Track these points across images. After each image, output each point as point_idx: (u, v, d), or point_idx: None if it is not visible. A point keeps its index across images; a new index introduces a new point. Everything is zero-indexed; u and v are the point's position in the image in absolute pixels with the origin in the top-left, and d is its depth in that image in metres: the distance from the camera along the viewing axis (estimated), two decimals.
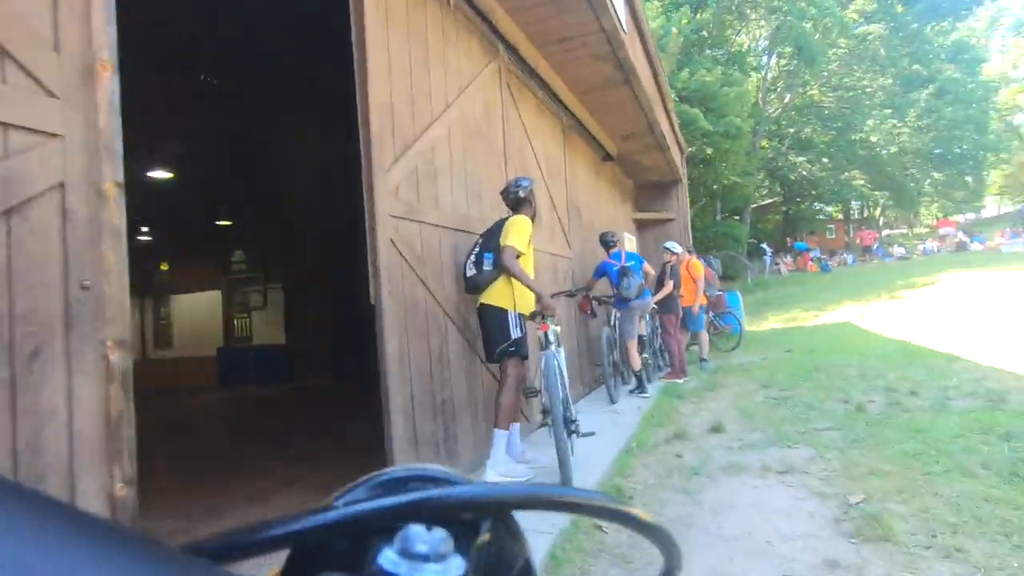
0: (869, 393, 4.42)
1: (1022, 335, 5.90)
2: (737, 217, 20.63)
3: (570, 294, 3.69)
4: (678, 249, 7.17)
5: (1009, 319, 6.93)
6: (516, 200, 3.08)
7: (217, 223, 11.47)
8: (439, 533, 0.22)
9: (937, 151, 26.04)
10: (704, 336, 7.40)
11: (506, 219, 3.01)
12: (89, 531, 0.16)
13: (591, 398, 5.37)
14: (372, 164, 2.52)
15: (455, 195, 3.30)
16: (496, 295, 2.93)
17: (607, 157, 7.52)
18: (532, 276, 3.02)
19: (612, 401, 4.98)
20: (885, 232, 38.00)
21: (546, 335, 2.96)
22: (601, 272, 5.40)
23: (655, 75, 6.31)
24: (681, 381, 5.97)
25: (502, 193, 3.15)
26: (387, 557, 0.22)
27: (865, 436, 3.41)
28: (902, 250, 21.67)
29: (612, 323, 5.67)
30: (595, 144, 6.93)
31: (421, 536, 0.22)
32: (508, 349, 2.86)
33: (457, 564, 0.22)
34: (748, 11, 16.44)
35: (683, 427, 4.15)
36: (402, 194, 2.75)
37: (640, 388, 5.30)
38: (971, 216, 42.99)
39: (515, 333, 2.88)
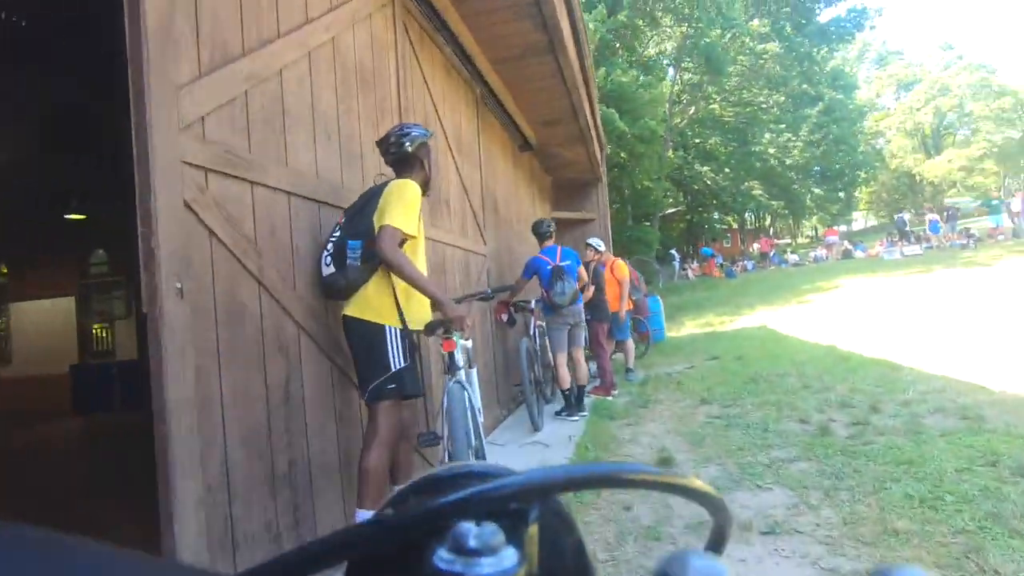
0: (825, 410, 3.89)
1: (948, 340, 5.77)
2: (648, 223, 20.84)
3: (486, 297, 2.72)
4: (603, 247, 6.49)
5: (925, 323, 6.93)
6: (401, 156, 2.12)
7: (68, 217, 9.37)
8: (489, 527, 0.22)
9: (816, 168, 28.34)
10: (630, 345, 6.76)
11: (382, 186, 2.03)
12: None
13: (510, 424, 4.49)
14: (146, 70, 1.45)
15: (321, 154, 2.27)
16: (367, 304, 1.97)
17: (525, 146, 6.72)
18: (424, 271, 2.08)
19: (536, 428, 4.12)
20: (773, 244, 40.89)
21: (451, 356, 2.02)
22: (532, 270, 4.52)
23: (580, 55, 5.58)
24: (611, 397, 5.25)
25: (380, 144, 2.17)
26: (441, 557, 0.22)
27: (846, 470, 2.78)
28: (795, 257, 22.98)
29: (531, 333, 4.83)
30: (512, 129, 6.10)
31: (472, 532, 0.22)
32: (385, 388, 1.89)
33: (510, 554, 0.22)
34: (660, 16, 16.59)
35: (626, 461, 3.36)
36: (214, 133, 1.69)
37: (568, 410, 4.48)
38: (844, 228, 47.49)
39: (396, 362, 1.92)
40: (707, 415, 4.24)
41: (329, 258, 1.97)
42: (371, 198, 2.01)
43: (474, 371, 2.57)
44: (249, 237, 1.79)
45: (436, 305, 2.03)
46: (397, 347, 1.92)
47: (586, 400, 4.80)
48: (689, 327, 10.41)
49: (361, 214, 2.00)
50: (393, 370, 1.90)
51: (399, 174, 2.11)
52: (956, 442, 2.89)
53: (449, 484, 0.27)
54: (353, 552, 0.23)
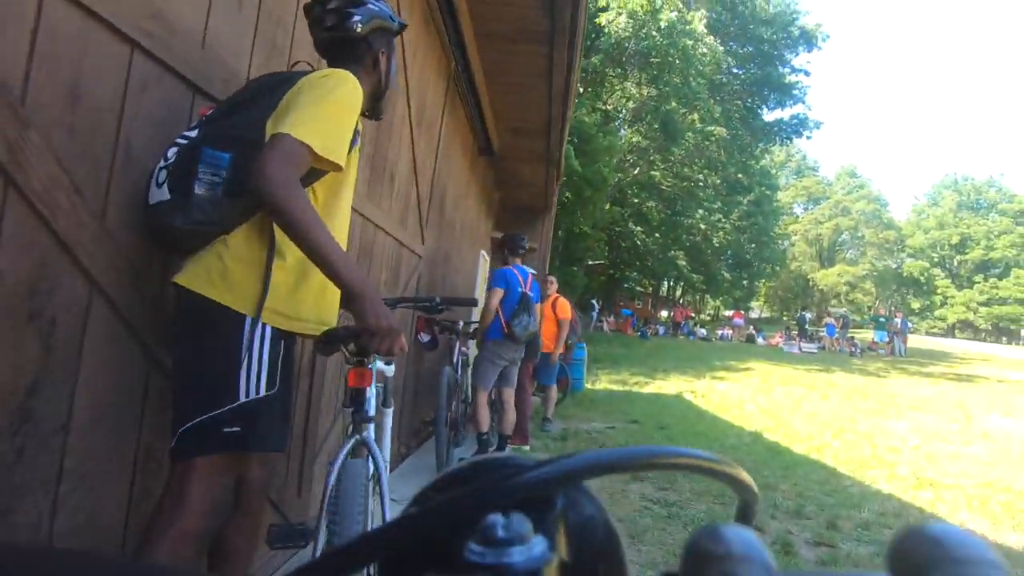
0: (777, 515, 3.36)
1: (877, 450, 5.59)
2: (575, 268, 20.75)
3: (429, 307, 1.80)
4: (555, 282, 5.88)
5: (845, 426, 6.84)
6: (342, 38, 1.27)
7: None
8: (517, 516, 0.22)
9: (730, 252, 30.16)
10: (554, 391, 6.10)
11: (298, 74, 1.20)
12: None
13: (409, 470, 3.58)
14: None
15: (221, 18, 1.38)
16: (216, 270, 1.09)
17: (485, 149, 6.00)
18: (343, 244, 1.25)
19: None
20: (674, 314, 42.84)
21: (358, 395, 1.17)
22: (503, 281, 3.72)
23: (571, 64, 4.96)
24: (527, 448, 4.51)
25: (309, 11, 1.29)
26: (472, 549, 0.21)
27: None
28: (703, 331, 23.83)
29: (455, 360, 3.99)
30: (479, 125, 5.36)
31: (500, 523, 0.22)
32: (218, 431, 1.03)
33: (540, 542, 0.22)
34: (630, 71, 16.80)
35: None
36: None
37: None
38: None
39: (248, 386, 1.05)
40: (641, 496, 3.59)
41: (163, 173, 1.08)
42: (272, 88, 1.15)
43: (389, 413, 1.70)
44: (4, 81, 0.87)
45: (349, 300, 1.13)
46: (257, 357, 1.04)
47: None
48: (605, 381, 9.98)
49: (244, 109, 1.15)
50: (241, 399, 1.03)
51: (333, 65, 1.26)
52: None
53: (472, 477, 0.26)
54: (382, 552, 0.22)
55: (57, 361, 1.03)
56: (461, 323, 3.97)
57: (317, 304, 1.16)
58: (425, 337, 3.93)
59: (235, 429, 1.02)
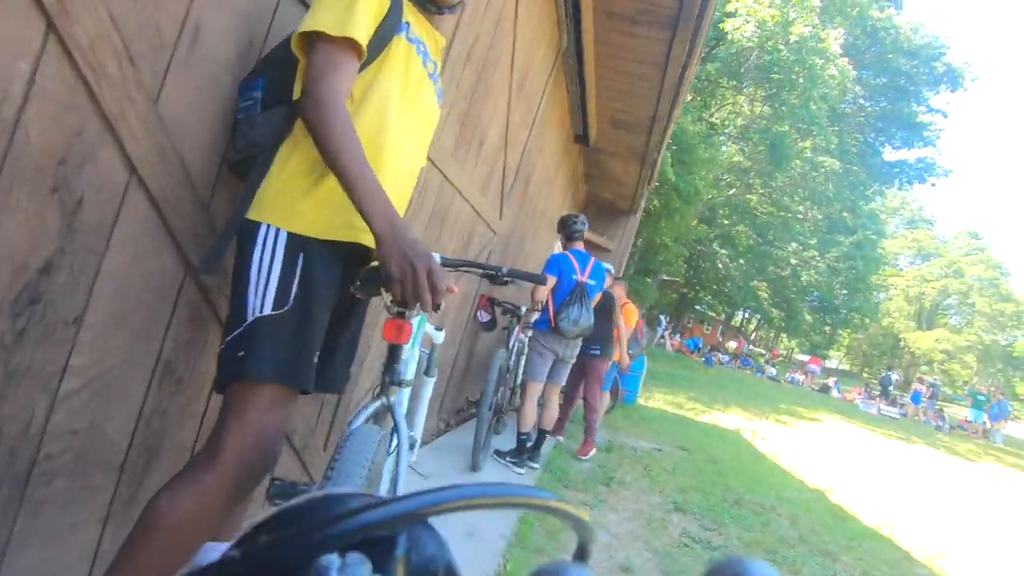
0: None
1: (962, 542, 4.93)
2: (648, 279, 20.09)
3: (495, 276, 1.63)
4: (624, 286, 5.60)
5: (923, 505, 6.11)
6: None
7: None
8: (354, 558, 0.20)
9: (816, 294, 28.08)
10: (606, 398, 5.85)
11: None
12: None
13: (444, 447, 3.45)
14: None
15: None
16: (260, 188, 0.99)
17: (581, 138, 5.75)
18: (400, 161, 1.07)
19: (474, 467, 3.10)
20: (747, 347, 40.59)
21: (394, 353, 1.00)
22: (557, 270, 3.49)
23: (690, 56, 4.59)
24: (561, 439, 4.30)
25: None
26: None
27: None
28: (774, 371, 22.43)
29: (510, 345, 3.81)
30: (578, 111, 5.12)
31: (334, 565, 0.20)
32: (232, 355, 0.88)
33: None
34: (745, 86, 15.85)
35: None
36: None
37: (517, 457, 3.46)
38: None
39: (255, 303, 0.88)
40: (683, 530, 3.28)
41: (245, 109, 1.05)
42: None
43: (430, 382, 1.54)
44: None
45: (375, 240, 0.91)
46: (266, 270, 0.89)
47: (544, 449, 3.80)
48: (659, 400, 9.52)
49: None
50: (249, 319, 0.88)
51: None
52: None
53: (307, 516, 0.24)
54: None
55: (80, 245, 0.92)
56: (524, 308, 3.79)
57: (342, 205, 0.93)
58: (485, 316, 3.79)
59: (240, 353, 0.88)
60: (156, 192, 1.01)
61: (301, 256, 0.92)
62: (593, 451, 4.33)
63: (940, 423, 17.14)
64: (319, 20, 0.93)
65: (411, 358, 1.25)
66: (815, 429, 10.19)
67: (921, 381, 20.27)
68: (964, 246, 53.25)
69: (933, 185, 22.20)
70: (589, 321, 3.37)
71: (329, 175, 0.93)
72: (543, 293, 3.43)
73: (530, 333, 3.60)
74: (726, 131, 21.33)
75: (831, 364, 51.09)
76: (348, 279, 1.04)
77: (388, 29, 1.00)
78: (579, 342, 3.51)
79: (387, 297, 0.92)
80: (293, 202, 0.94)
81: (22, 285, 0.85)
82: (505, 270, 1.55)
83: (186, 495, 0.86)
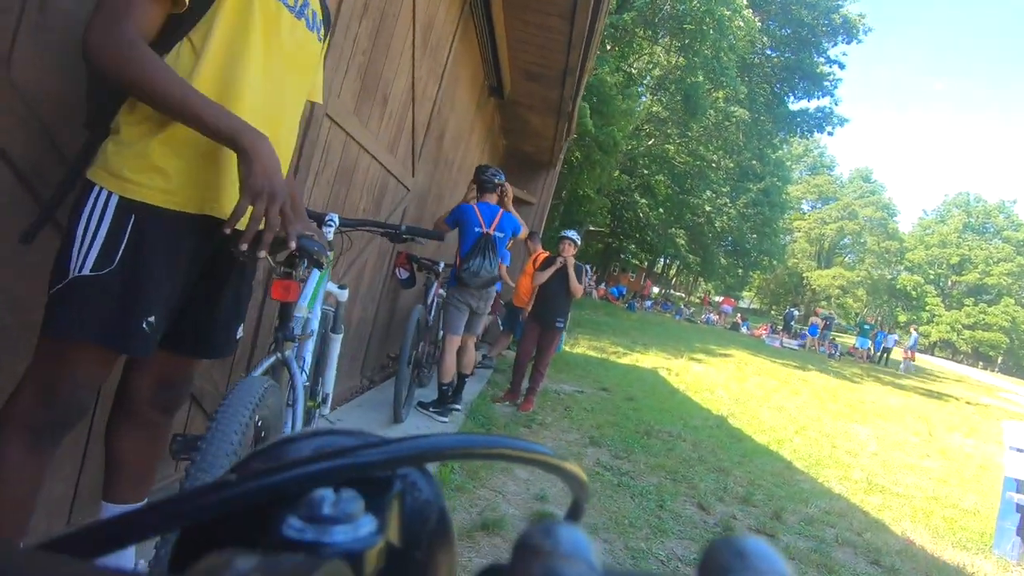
0: (725, 498, 3.37)
1: (835, 451, 5.65)
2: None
3: (393, 234, 1.68)
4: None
5: (809, 424, 6.91)
6: None
7: None
8: (348, 494, 0.21)
9: (730, 239, 29.94)
10: (505, 340, 6.20)
11: None
12: None
13: (366, 403, 3.53)
14: None
15: None
16: (100, 145, 0.96)
17: (495, 91, 5.73)
18: (277, 120, 1.06)
19: (397, 419, 3.22)
20: (666, 291, 42.78)
21: (284, 311, 1.06)
22: (455, 221, 3.54)
23: (598, 8, 4.66)
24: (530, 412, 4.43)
25: None
26: (292, 525, 0.20)
27: None
28: (690, 312, 23.93)
29: (428, 302, 3.90)
30: (491, 64, 5.09)
31: (328, 499, 0.20)
32: (52, 309, 0.90)
33: (368, 523, 0.20)
34: (661, 35, 16.11)
35: (494, 505, 2.58)
36: None
37: (440, 406, 3.61)
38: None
39: (77, 262, 0.89)
40: (596, 461, 3.59)
41: None
42: None
43: (338, 339, 1.60)
44: None
45: (238, 157, 0.92)
46: (95, 231, 0.89)
47: (464, 396, 3.96)
48: (584, 347, 9.99)
49: None
50: (69, 277, 0.89)
51: None
52: None
53: (307, 447, 0.25)
54: (186, 522, 0.20)
55: None
56: (442, 264, 3.85)
57: (190, 171, 0.94)
58: (403, 273, 3.83)
59: (59, 308, 0.90)
60: (18, 160, 0.99)
61: (131, 221, 0.91)
62: (533, 407, 4.53)
63: (832, 351, 19.12)
64: None
65: (314, 316, 1.30)
66: (724, 364, 11.11)
67: (817, 314, 22.35)
68: (858, 189, 57.95)
69: (831, 134, 23.85)
70: (492, 272, 3.41)
71: (170, 136, 0.93)
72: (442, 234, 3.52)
73: (449, 291, 3.68)
74: (644, 82, 21.70)
75: (743, 304, 54.84)
76: (211, 244, 1.03)
77: None
78: (490, 293, 3.60)
79: (272, 259, 0.97)
80: (127, 167, 0.91)
81: None
82: (403, 228, 1.61)
83: None
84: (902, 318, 51.62)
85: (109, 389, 1.18)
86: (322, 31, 1.17)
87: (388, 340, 4.24)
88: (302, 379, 1.10)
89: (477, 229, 3.42)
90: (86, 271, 0.89)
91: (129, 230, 0.91)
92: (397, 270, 3.81)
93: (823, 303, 49.00)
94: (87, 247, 0.89)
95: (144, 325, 0.94)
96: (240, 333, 1.19)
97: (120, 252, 0.90)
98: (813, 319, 20.66)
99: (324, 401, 1.65)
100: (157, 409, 1.11)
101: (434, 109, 3.78)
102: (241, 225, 0.92)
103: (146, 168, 0.92)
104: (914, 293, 51.35)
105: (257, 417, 0.92)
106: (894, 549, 3.09)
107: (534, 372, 4.57)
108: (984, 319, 46.62)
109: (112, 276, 0.90)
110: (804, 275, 53.36)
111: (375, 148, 2.86)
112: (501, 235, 3.51)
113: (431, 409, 3.60)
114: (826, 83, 22.96)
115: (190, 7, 0.91)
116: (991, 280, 47.88)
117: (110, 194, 0.91)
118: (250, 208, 0.91)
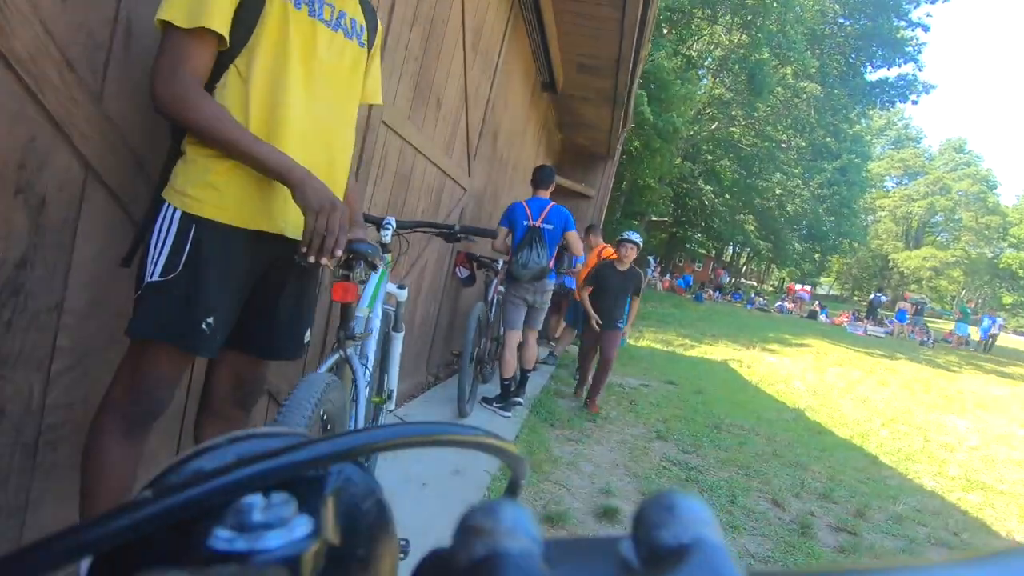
0: (802, 495, 3.22)
1: (927, 447, 5.26)
2: (636, 222, 20.13)
3: (448, 234, 1.74)
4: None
5: (898, 416, 6.45)
6: None
7: None
8: (279, 497, 0.20)
9: (804, 223, 28.22)
10: (570, 334, 6.15)
11: None
12: None
13: (433, 398, 3.64)
14: None
15: None
16: (173, 168, 1.09)
17: (548, 86, 5.72)
18: (319, 129, 1.13)
19: (461, 414, 3.30)
20: (739, 280, 41.00)
21: (347, 309, 1.13)
22: (507, 219, 3.58)
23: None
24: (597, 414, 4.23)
25: None
26: (219, 537, 0.19)
27: None
28: (763, 301, 22.85)
29: (489, 299, 3.96)
30: (542, 59, 5.08)
31: (257, 505, 0.19)
32: (134, 313, 1.03)
33: (302, 524, 0.19)
34: (720, 14, 15.42)
35: (558, 499, 2.60)
36: None
37: (503, 401, 3.67)
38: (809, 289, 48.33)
39: (150, 269, 1.00)
40: (663, 456, 3.53)
41: None
42: None
43: (399, 338, 1.67)
44: None
45: (291, 190, 1.02)
46: (161, 242, 0.99)
47: (528, 391, 4.00)
48: (649, 339, 9.79)
49: None
50: (144, 282, 1.00)
51: None
52: None
53: (229, 453, 0.23)
54: (96, 548, 0.19)
55: (49, 241, 1.03)
56: (501, 261, 3.91)
57: (244, 192, 1.04)
58: (463, 272, 3.92)
59: (135, 313, 1.01)
60: (114, 185, 1.11)
61: (192, 232, 1.01)
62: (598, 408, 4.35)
63: (925, 338, 17.68)
64: (167, 8, 0.95)
65: (375, 315, 1.37)
66: (801, 354, 10.55)
67: (906, 299, 20.73)
68: (950, 161, 53.11)
69: (915, 102, 22.02)
70: (540, 263, 3.41)
71: (225, 161, 1.02)
72: (500, 245, 3.56)
73: (506, 289, 3.71)
74: (704, 64, 20.90)
75: (822, 291, 51.78)
76: (266, 256, 1.13)
77: None
78: (546, 287, 3.59)
79: (331, 264, 1.03)
80: (189, 185, 1.02)
81: (2, 280, 0.96)
82: (458, 227, 1.66)
83: (94, 433, 1.03)
84: (1007, 300, 46.96)
85: (198, 390, 1.30)
86: (364, 36, 1.22)
87: (451, 337, 4.34)
88: (364, 375, 1.17)
89: (525, 222, 3.46)
90: (156, 277, 1.00)
91: (190, 240, 1.01)
92: (457, 269, 3.91)
93: (913, 286, 45.41)
94: (157, 255, 1.00)
95: (204, 326, 1.03)
96: (308, 336, 1.27)
97: (183, 259, 1.01)
98: (902, 304, 19.19)
99: (389, 397, 1.73)
100: (234, 405, 1.22)
101: (487, 109, 3.83)
102: (238, 215, 1.05)
103: (204, 185, 1.02)
104: (1020, 272, 46.49)
105: (322, 411, 0.99)
106: (990, 546, 2.83)
107: (597, 373, 4.40)
108: None
109: (176, 281, 1.01)
110: (890, 257, 49.56)
111: (431, 151, 2.94)
112: (550, 227, 3.51)
113: (495, 404, 3.66)
114: (908, 48, 21.18)
115: (232, 39, 1.00)
116: None
117: (175, 209, 1.01)
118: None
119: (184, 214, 1.01)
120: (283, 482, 0.21)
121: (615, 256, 4.49)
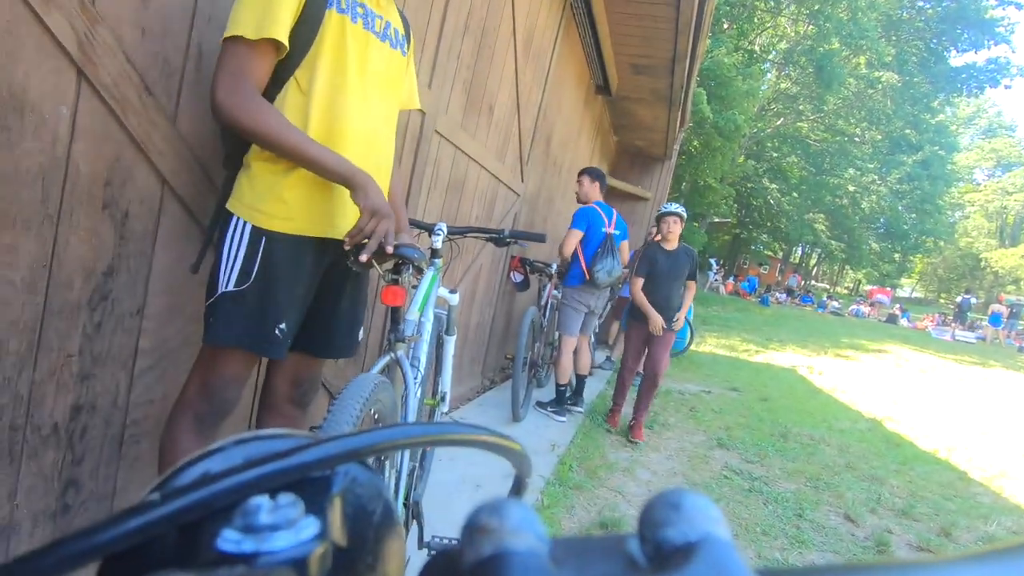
0: (878, 511, 3.02)
1: None
2: (696, 223, 19.56)
3: (498, 239, 1.75)
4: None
5: (990, 430, 5.92)
6: None
7: None
8: (286, 499, 0.20)
9: (882, 220, 26.39)
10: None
11: None
12: None
13: (488, 402, 3.68)
14: None
15: None
16: (236, 179, 1.16)
17: (603, 88, 5.67)
18: (372, 137, 1.18)
19: (516, 418, 3.31)
20: (809, 283, 38.87)
21: (396, 313, 1.17)
22: (584, 221, 3.53)
23: None
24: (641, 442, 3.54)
25: None
26: (227, 538, 0.19)
27: None
28: (837, 304, 21.59)
29: (542, 303, 3.96)
30: (595, 62, 5.05)
31: (265, 507, 0.19)
32: (207, 321, 1.10)
33: (310, 525, 0.19)
34: (784, 4, 14.76)
35: (613, 505, 2.56)
36: None
37: (557, 406, 3.65)
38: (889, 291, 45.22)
39: (223, 280, 1.07)
40: (724, 465, 3.40)
41: None
42: None
43: (451, 341, 1.71)
44: None
45: (351, 192, 1.08)
46: (233, 253, 1.06)
47: (585, 396, 3.96)
48: (711, 344, 9.47)
49: None
50: (219, 292, 1.06)
51: None
52: None
53: (237, 455, 0.23)
54: (105, 551, 0.19)
55: (132, 250, 1.12)
56: (554, 265, 3.90)
57: (309, 202, 1.10)
58: (517, 276, 3.94)
59: (210, 320, 1.07)
60: (187, 199, 1.20)
61: (263, 244, 1.08)
62: (643, 436, 3.60)
63: (1023, 344, 16.15)
64: (236, 23, 1.00)
65: (426, 319, 1.41)
66: (879, 361, 9.88)
67: (1001, 301, 19.00)
68: None
69: (1008, 87, 20.20)
70: (620, 271, 3.49)
71: (290, 172, 1.08)
72: (570, 248, 3.53)
73: (565, 291, 3.70)
74: (768, 58, 20.07)
75: (903, 293, 48.33)
76: (327, 260, 1.19)
77: (315, 8, 1.05)
78: (608, 293, 3.61)
79: (380, 268, 1.07)
80: (257, 199, 1.08)
81: (93, 287, 1.06)
82: (507, 232, 1.68)
83: (170, 429, 1.11)
84: None
85: (259, 390, 1.38)
86: (405, 45, 1.28)
87: (506, 342, 4.38)
88: (414, 377, 1.21)
89: (604, 229, 3.48)
90: (230, 287, 1.06)
91: (261, 251, 1.08)
92: (512, 274, 3.93)
93: (1010, 287, 41.54)
94: (230, 266, 1.06)
95: (277, 331, 1.10)
96: (361, 335, 1.33)
97: (255, 270, 1.07)
98: (995, 307, 17.59)
99: (443, 399, 1.76)
100: (293, 403, 1.28)
101: (539, 114, 3.85)
102: (300, 222, 1.11)
103: (272, 199, 1.08)
104: None
105: (372, 410, 1.03)
106: None
107: (641, 390, 3.60)
108: None
109: (250, 290, 1.07)
110: (981, 256, 45.52)
111: (483, 158, 2.99)
112: (618, 233, 3.54)
113: (549, 409, 3.65)
114: (999, 28, 19.47)
115: (291, 50, 1.06)
116: None
117: (245, 222, 1.08)
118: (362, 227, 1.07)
119: (254, 227, 1.08)
120: (290, 483, 0.21)
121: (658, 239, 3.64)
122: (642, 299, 3.47)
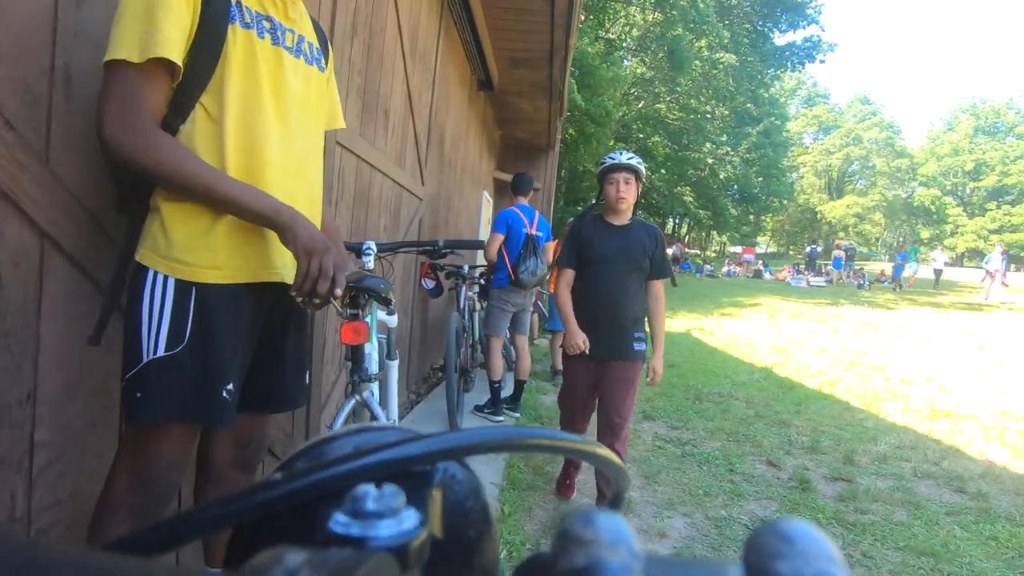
0: (793, 451, 3.33)
1: (888, 384, 5.56)
2: (579, 207, 20.37)
3: (431, 250, 1.63)
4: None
5: (853, 359, 6.80)
6: None
7: None
8: (390, 489, 0.21)
9: (735, 187, 29.43)
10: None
11: None
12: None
13: (418, 416, 3.54)
14: None
15: None
16: (143, 226, 0.98)
17: (484, 84, 5.67)
18: (294, 163, 1.04)
19: (453, 428, 3.22)
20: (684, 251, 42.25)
21: (356, 353, 1.06)
22: (504, 224, 3.53)
23: None
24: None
25: None
26: (338, 521, 0.20)
27: (854, 554, 2.16)
28: (710, 268, 23.66)
29: (461, 307, 3.89)
30: (476, 58, 5.02)
31: (371, 495, 0.21)
32: (130, 397, 0.90)
33: (411, 516, 0.21)
34: None
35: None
36: None
37: (493, 407, 3.62)
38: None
39: (148, 346, 0.89)
40: (655, 436, 3.57)
41: None
42: None
43: (394, 365, 1.59)
44: None
45: (279, 234, 0.95)
46: (160, 313, 0.89)
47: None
48: None
49: None
50: (144, 360, 0.89)
51: None
52: (973, 529, 2.37)
53: (347, 445, 0.25)
54: (238, 520, 0.21)
55: (11, 326, 0.90)
56: (466, 267, 3.84)
57: (238, 245, 0.96)
58: (429, 283, 3.83)
59: (138, 395, 0.89)
60: (74, 253, 0.99)
61: (192, 298, 0.92)
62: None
63: (861, 281, 18.78)
64: (118, 46, 0.84)
65: (372, 350, 1.30)
66: (756, 314, 10.97)
67: (839, 247, 21.95)
68: (858, 113, 56.51)
69: (823, 62, 23.24)
70: (544, 270, 3.52)
71: (211, 215, 0.93)
72: (493, 250, 3.50)
73: (494, 293, 3.65)
74: (624, 46, 21.31)
75: (760, 250, 54.05)
76: (266, 304, 1.04)
77: (213, 24, 0.90)
78: (535, 292, 3.67)
79: (337, 305, 0.95)
80: (176, 249, 0.92)
81: None
82: (441, 243, 1.59)
83: (100, 532, 0.93)
84: (924, 234, 50.50)
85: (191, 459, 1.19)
86: (323, 60, 1.16)
87: (425, 353, 4.25)
88: (384, 418, 1.10)
89: (524, 230, 3.49)
90: (160, 352, 0.89)
91: (192, 307, 0.91)
92: (423, 280, 3.81)
93: (841, 234, 48.10)
94: (155, 329, 0.89)
95: (224, 393, 0.94)
96: (307, 380, 1.19)
97: (188, 329, 0.91)
98: (836, 252, 20.28)
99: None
100: (237, 468, 1.12)
101: (431, 114, 3.74)
102: (236, 271, 0.97)
103: (194, 248, 0.92)
104: (932, 207, 50.08)
105: None
106: (976, 473, 3.03)
107: (609, 429, 2.34)
108: (1010, 220, 45.39)
109: (185, 352, 0.91)
110: (817, 209, 52.34)
111: (385, 165, 2.84)
112: (541, 234, 3.59)
113: (485, 411, 3.61)
114: (809, 11, 22.32)
115: (191, 73, 0.90)
116: (1010, 180, 46.54)
117: (166, 277, 0.91)
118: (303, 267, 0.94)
119: (179, 281, 0.91)
120: (394, 476, 0.22)
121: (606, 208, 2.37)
122: (563, 302, 2.28)
